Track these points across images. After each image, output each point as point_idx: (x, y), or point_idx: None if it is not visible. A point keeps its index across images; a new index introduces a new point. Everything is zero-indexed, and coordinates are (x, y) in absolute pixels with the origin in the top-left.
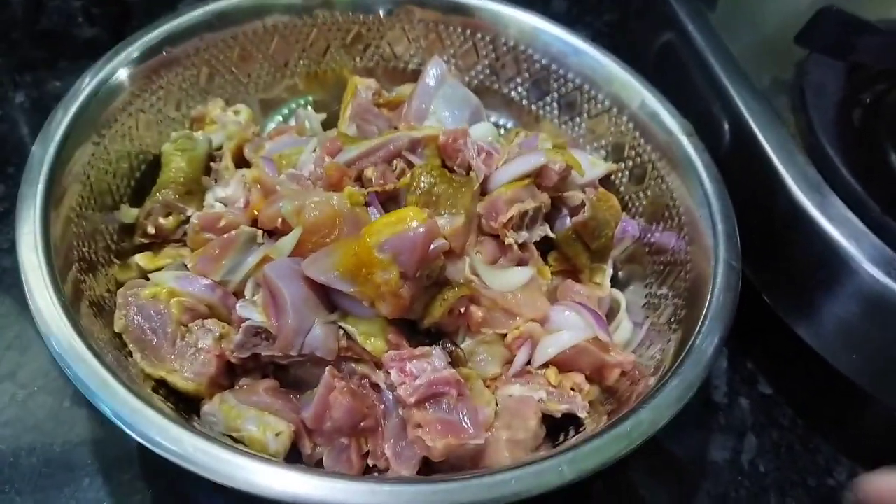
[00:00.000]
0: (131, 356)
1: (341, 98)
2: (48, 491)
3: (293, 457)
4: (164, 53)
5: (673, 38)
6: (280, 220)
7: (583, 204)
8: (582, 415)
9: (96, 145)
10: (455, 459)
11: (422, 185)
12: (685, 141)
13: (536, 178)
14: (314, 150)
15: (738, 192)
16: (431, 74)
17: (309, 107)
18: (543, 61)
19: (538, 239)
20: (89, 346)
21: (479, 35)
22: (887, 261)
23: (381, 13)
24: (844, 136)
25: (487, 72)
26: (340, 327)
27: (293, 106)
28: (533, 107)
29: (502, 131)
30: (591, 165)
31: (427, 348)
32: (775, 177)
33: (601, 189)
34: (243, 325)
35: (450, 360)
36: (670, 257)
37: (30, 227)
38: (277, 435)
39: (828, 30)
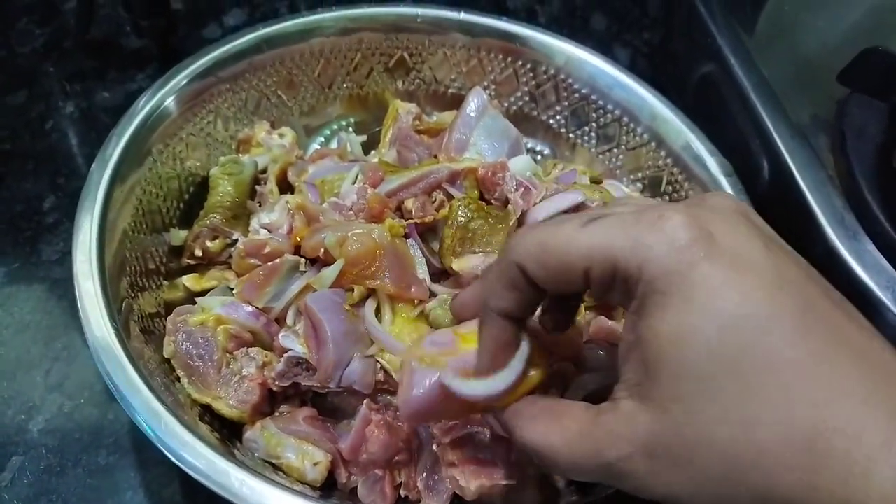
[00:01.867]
0: (178, 381)
1: (381, 119)
2: (92, 501)
3: (329, 484)
4: (214, 77)
5: (713, 70)
6: (322, 250)
7: None
8: None
9: (149, 169)
10: (486, 497)
11: (459, 220)
12: (724, 181)
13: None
14: (356, 180)
15: (774, 231)
16: (472, 105)
17: (350, 129)
18: (583, 91)
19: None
20: (141, 375)
21: (520, 62)
22: None
23: (426, 38)
24: (884, 182)
25: (527, 98)
26: (377, 361)
27: (335, 128)
28: (571, 135)
29: (539, 158)
30: None
31: None
32: (812, 220)
33: None
34: (285, 355)
35: None
36: None
37: (85, 255)
38: (315, 464)
39: (872, 70)
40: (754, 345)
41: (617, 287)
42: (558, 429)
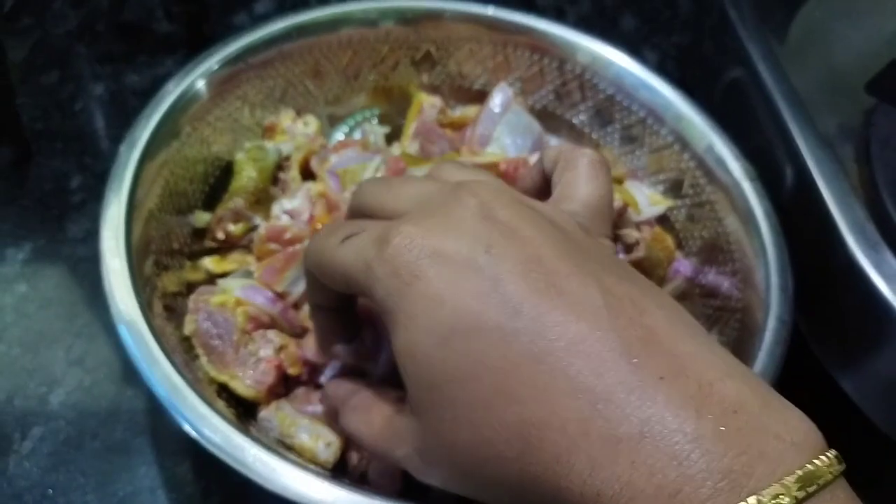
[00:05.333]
0: (197, 359)
1: (405, 112)
2: (108, 475)
3: (340, 466)
4: (244, 64)
5: (741, 75)
6: None
7: (637, 242)
8: None
9: (176, 150)
10: None
11: None
12: (747, 186)
13: None
14: (377, 170)
15: (795, 239)
16: (497, 101)
17: (374, 120)
18: (609, 91)
19: None
20: (164, 350)
21: (546, 59)
22: None
23: (453, 33)
24: None
25: (552, 96)
26: None
27: (358, 118)
28: (594, 135)
29: None
30: (650, 203)
31: None
32: (833, 229)
33: (657, 228)
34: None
35: None
36: (721, 302)
37: (112, 231)
38: (328, 445)
39: None
40: (466, 353)
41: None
42: (366, 422)
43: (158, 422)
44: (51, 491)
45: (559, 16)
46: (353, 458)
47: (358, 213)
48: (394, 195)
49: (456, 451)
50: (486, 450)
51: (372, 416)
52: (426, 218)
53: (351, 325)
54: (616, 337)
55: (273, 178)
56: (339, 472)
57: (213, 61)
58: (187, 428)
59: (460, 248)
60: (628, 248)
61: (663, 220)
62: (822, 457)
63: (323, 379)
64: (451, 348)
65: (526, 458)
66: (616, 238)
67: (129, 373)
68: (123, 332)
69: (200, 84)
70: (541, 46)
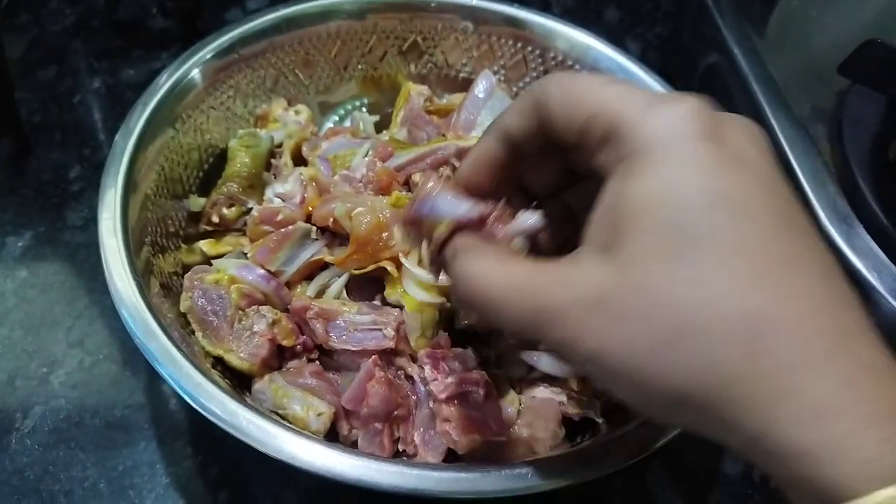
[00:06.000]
0: (193, 334)
1: (394, 101)
2: (108, 450)
3: (331, 436)
4: (236, 55)
5: (718, 61)
6: (332, 219)
7: None
8: (599, 420)
9: (171, 138)
10: (478, 453)
11: None
12: None
13: None
14: (367, 154)
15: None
16: (481, 87)
17: (364, 109)
18: None
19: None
20: (160, 323)
21: (529, 48)
22: None
23: (438, 23)
24: (878, 171)
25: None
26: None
27: (349, 107)
28: None
29: None
30: None
31: (460, 350)
32: (806, 205)
33: None
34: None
35: (480, 362)
36: None
37: (110, 213)
38: (319, 415)
39: (871, 62)
40: (730, 226)
41: (610, 145)
42: (502, 269)
43: (157, 399)
44: (52, 467)
45: (544, 8)
46: (344, 428)
47: None
48: None
49: (665, 310)
50: (707, 321)
51: (512, 266)
52: (718, 112)
53: None
54: None
55: (266, 164)
56: (330, 441)
57: (206, 52)
58: (184, 395)
59: (744, 146)
60: None
61: None
62: None
63: None
64: (714, 214)
65: (755, 352)
66: None
67: (128, 353)
68: (121, 307)
69: (194, 74)
70: (523, 35)
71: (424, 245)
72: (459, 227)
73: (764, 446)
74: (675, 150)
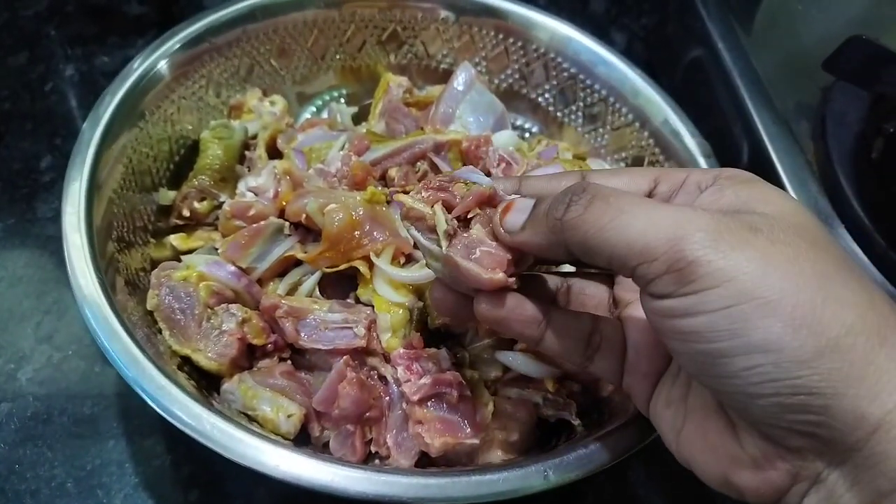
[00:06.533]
0: (160, 333)
1: (373, 92)
2: (76, 449)
3: (302, 438)
4: (208, 44)
5: (702, 54)
6: (304, 215)
7: None
8: (574, 422)
9: (140, 129)
10: (452, 455)
11: None
12: (703, 162)
13: None
14: (342, 148)
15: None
16: (460, 79)
17: (342, 100)
18: (571, 70)
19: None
20: (122, 323)
21: (510, 39)
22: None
23: (418, 13)
24: (860, 169)
25: (517, 76)
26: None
27: (326, 98)
28: (558, 114)
29: (527, 135)
30: None
31: (434, 350)
32: None
33: None
34: None
35: (454, 362)
36: None
37: (74, 207)
38: (289, 417)
39: (854, 58)
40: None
41: (671, 278)
42: (654, 207)
43: (127, 397)
44: (18, 466)
45: None
46: (315, 429)
47: None
48: None
49: (814, 248)
50: (855, 277)
51: (659, 209)
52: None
53: None
54: None
55: (240, 157)
56: (301, 444)
57: (176, 41)
58: (146, 398)
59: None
60: None
61: None
62: None
63: None
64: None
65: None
66: None
67: (98, 349)
68: (83, 305)
69: (163, 63)
70: (504, 26)
71: (440, 210)
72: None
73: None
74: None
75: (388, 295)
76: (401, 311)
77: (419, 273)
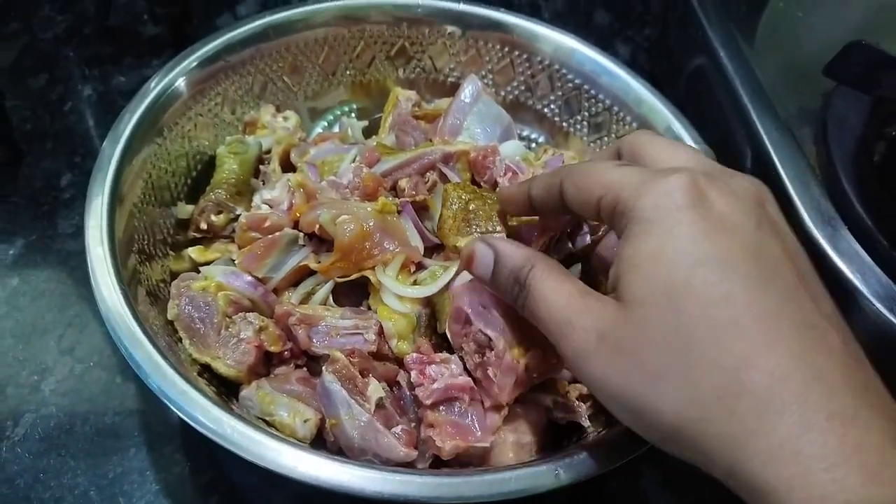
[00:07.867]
0: (181, 342)
1: (383, 106)
2: (98, 457)
3: (318, 442)
4: (223, 62)
5: (704, 63)
6: (318, 226)
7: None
8: (585, 424)
9: (158, 146)
10: (464, 457)
11: (454, 203)
12: None
13: None
14: (354, 160)
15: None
16: (467, 91)
17: (353, 115)
18: (576, 81)
19: (563, 256)
20: (145, 332)
21: (516, 52)
22: (892, 297)
23: (426, 28)
24: (862, 172)
25: (523, 88)
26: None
27: (338, 113)
28: (564, 124)
29: (533, 145)
30: None
31: (447, 355)
32: (790, 207)
33: None
34: None
35: (465, 368)
36: None
37: (96, 221)
38: (305, 421)
39: (855, 63)
40: (713, 283)
41: (617, 218)
42: (557, 289)
43: (148, 406)
44: (42, 475)
45: (534, 12)
46: (330, 434)
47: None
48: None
49: (651, 352)
50: (685, 368)
51: (565, 285)
52: (706, 175)
53: None
54: None
55: (254, 171)
56: (317, 448)
57: (192, 59)
58: (168, 403)
59: (731, 209)
60: (594, 230)
61: None
62: None
63: None
64: (695, 274)
65: (732, 400)
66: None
67: (119, 360)
68: (107, 316)
69: (181, 82)
70: (509, 40)
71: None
72: None
73: (737, 481)
74: (663, 219)
75: (394, 305)
76: (404, 320)
77: (418, 290)
